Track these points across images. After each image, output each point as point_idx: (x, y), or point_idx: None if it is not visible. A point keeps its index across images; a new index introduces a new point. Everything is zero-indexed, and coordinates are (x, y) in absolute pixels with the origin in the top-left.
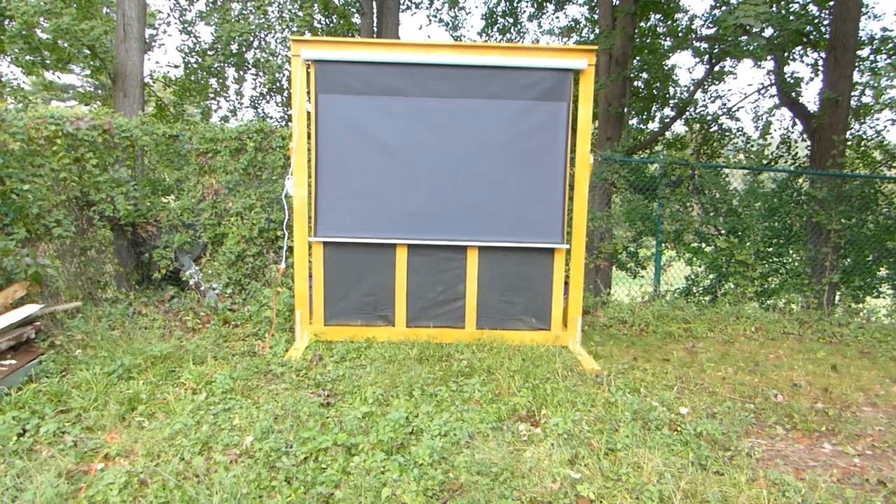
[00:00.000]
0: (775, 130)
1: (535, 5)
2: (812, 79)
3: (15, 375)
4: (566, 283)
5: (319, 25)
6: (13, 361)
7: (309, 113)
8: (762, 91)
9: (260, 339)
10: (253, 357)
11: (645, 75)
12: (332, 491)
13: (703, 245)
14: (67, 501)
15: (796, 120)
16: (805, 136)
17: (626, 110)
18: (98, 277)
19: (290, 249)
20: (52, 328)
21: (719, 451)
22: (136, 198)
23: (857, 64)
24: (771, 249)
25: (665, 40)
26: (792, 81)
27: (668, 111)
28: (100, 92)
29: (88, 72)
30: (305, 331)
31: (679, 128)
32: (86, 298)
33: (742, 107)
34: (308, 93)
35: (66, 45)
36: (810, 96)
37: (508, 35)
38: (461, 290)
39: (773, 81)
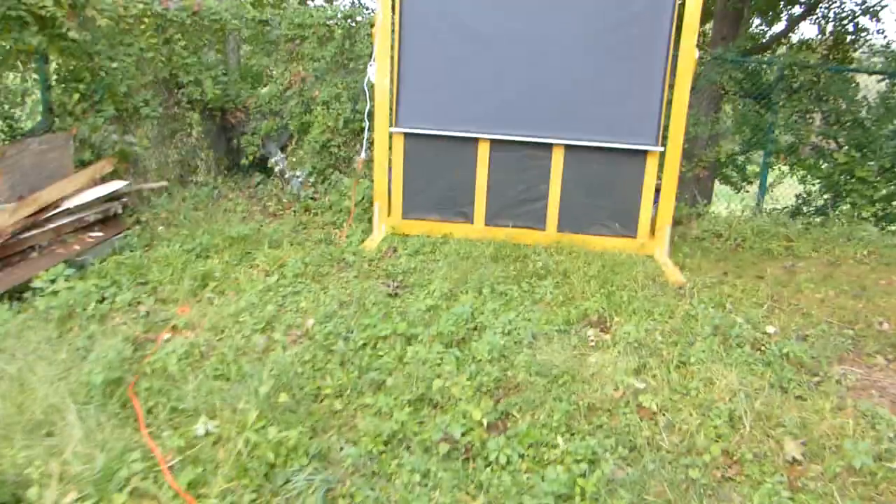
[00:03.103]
0: None
1: None
2: None
3: (101, 247)
4: (657, 190)
5: None
6: (100, 234)
7: None
8: None
9: (338, 228)
10: (329, 245)
11: None
12: (384, 378)
13: (821, 161)
14: (129, 365)
15: None
16: None
17: (746, 8)
18: (189, 160)
19: (372, 141)
20: (138, 205)
21: (805, 376)
22: (224, 83)
23: None
24: None
25: None
26: None
27: (796, 9)
28: None
29: None
30: (383, 223)
31: (808, 30)
32: (174, 180)
33: (887, 4)
34: None
35: None
36: None
37: None
38: (544, 189)
39: None
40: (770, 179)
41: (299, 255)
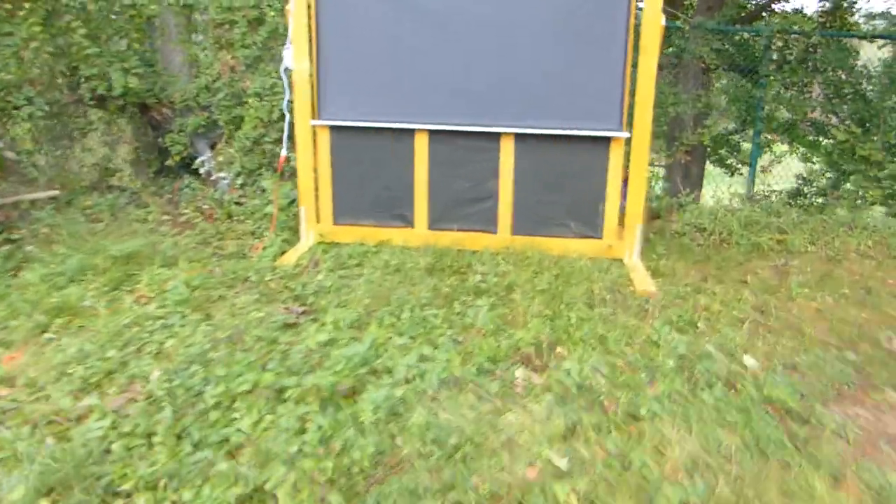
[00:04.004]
0: None
1: None
2: None
3: None
4: (625, 182)
5: None
6: None
7: None
8: None
9: (258, 237)
10: (241, 260)
11: None
12: (218, 459)
13: (821, 138)
14: None
15: None
16: None
17: None
18: (106, 164)
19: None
20: (16, 220)
21: (792, 425)
22: (139, 74)
23: None
24: None
25: None
26: None
27: None
28: None
29: None
30: (311, 230)
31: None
32: (83, 187)
33: None
34: None
35: None
36: None
37: None
38: (492, 186)
39: None
40: (767, 159)
41: (190, 276)
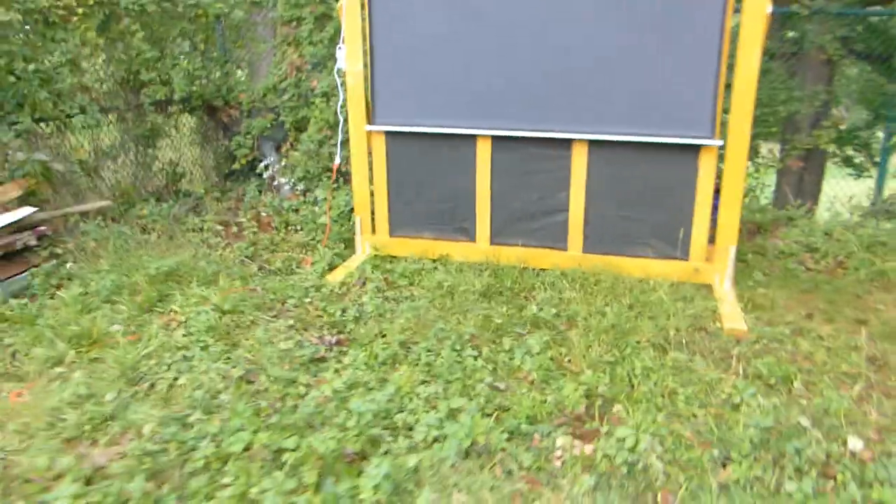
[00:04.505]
0: None
1: None
2: None
3: None
4: (716, 195)
5: None
6: None
7: None
8: None
9: (311, 250)
10: (288, 276)
11: None
12: None
13: None
14: None
15: None
16: None
17: None
18: (172, 170)
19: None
20: (63, 234)
21: None
22: (203, 76)
23: None
24: None
25: None
26: None
27: None
28: None
29: None
30: (367, 242)
31: None
32: (144, 196)
33: None
34: None
35: None
36: None
37: None
38: (563, 199)
39: None
40: None
41: (224, 298)
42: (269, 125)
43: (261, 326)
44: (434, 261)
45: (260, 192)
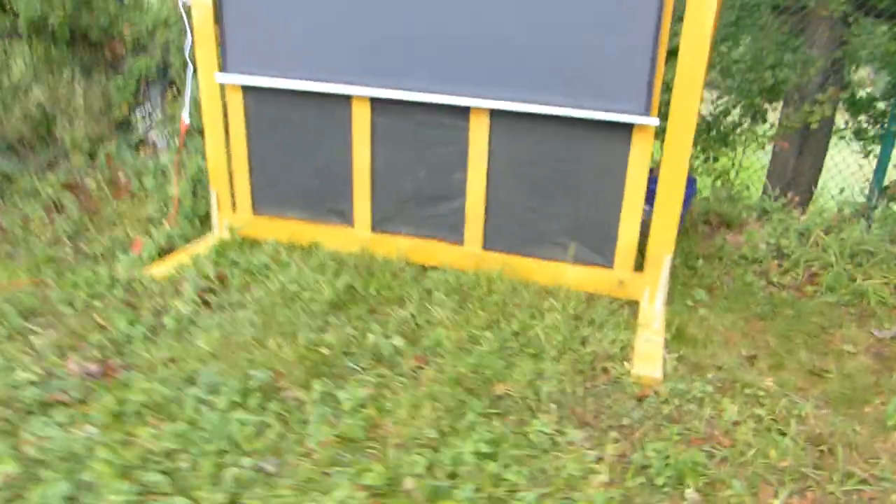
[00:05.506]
0: None
1: None
2: None
3: None
4: (652, 186)
5: None
6: None
7: None
8: None
9: (157, 227)
10: (108, 264)
11: None
12: None
13: None
14: None
15: None
16: None
17: None
18: (47, 117)
19: None
20: None
21: None
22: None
23: None
24: None
25: None
26: None
27: None
28: None
29: None
30: (225, 220)
31: None
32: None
33: None
34: None
35: None
36: None
37: None
38: (459, 181)
39: None
40: None
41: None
42: (155, 67)
43: (15, 342)
44: (304, 249)
45: (138, 148)
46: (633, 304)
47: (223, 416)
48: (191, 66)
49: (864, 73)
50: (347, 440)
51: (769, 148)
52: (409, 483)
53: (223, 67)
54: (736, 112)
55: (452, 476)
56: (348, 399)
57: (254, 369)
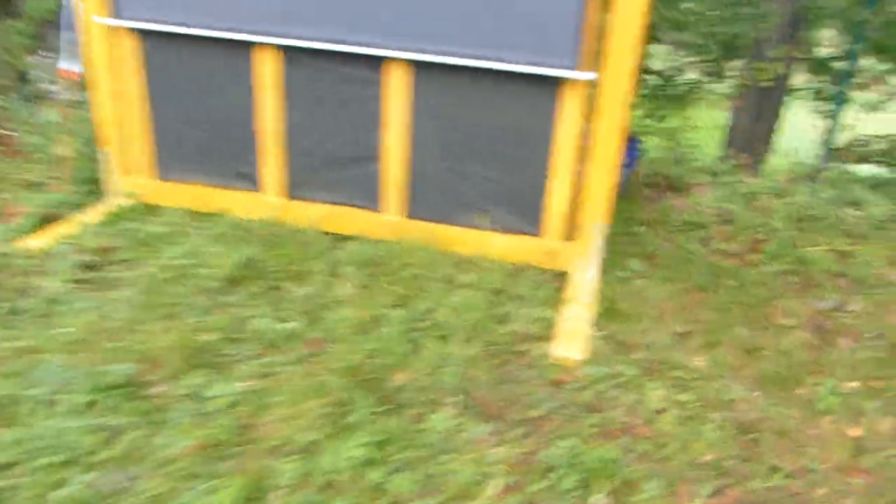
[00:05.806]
0: None
1: None
2: None
3: None
4: (630, 151)
5: None
6: None
7: None
8: None
9: (41, 190)
10: None
11: None
12: None
13: None
14: None
15: None
16: None
17: None
18: None
19: None
20: None
21: None
22: None
23: None
24: None
25: None
26: None
27: None
28: None
29: None
30: (121, 185)
31: None
32: None
33: None
34: None
35: None
36: None
37: None
38: (375, 141)
39: None
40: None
41: None
42: (56, 8)
43: None
44: (210, 218)
45: (36, 101)
46: (564, 277)
47: (63, 420)
48: (80, 4)
49: (828, 33)
50: (212, 446)
51: (729, 108)
52: (273, 498)
53: (115, 11)
54: (693, 70)
55: (327, 487)
56: (220, 395)
57: (118, 361)
